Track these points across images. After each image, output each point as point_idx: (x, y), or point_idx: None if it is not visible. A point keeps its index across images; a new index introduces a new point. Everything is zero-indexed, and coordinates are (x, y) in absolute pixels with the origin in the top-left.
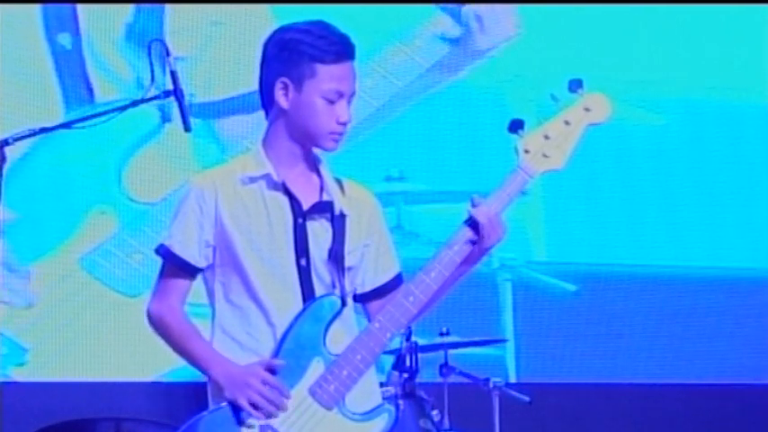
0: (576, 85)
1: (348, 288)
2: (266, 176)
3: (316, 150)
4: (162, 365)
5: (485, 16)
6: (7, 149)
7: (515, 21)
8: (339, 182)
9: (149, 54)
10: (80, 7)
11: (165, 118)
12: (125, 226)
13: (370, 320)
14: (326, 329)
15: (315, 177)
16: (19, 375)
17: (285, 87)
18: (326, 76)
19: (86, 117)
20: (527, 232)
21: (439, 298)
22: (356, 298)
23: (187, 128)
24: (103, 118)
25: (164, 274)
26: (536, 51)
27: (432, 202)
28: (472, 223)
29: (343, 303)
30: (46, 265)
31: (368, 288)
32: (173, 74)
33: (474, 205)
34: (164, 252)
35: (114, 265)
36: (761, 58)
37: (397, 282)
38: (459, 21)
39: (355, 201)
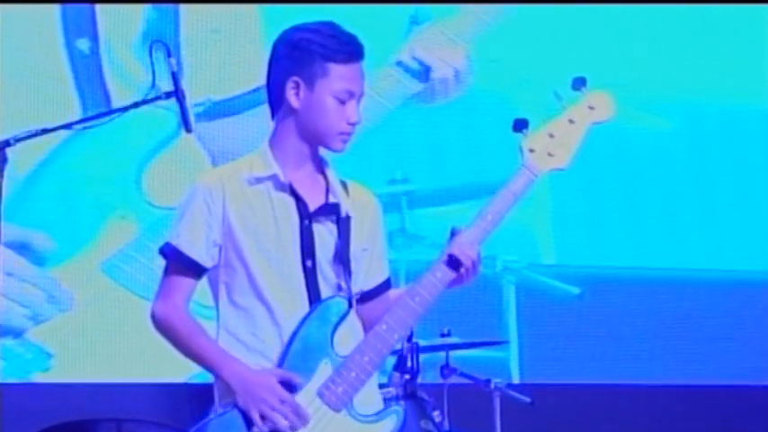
0: (579, 83)
1: (354, 289)
2: (273, 177)
3: (322, 152)
4: (190, 367)
5: (449, 80)
6: (23, 154)
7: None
8: (344, 184)
9: (150, 55)
10: (99, 11)
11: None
12: (145, 230)
13: None
14: (334, 331)
15: (321, 179)
16: (44, 380)
17: (296, 86)
18: (338, 75)
19: (88, 118)
20: (530, 235)
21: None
22: None
23: (188, 129)
24: (106, 119)
25: (169, 273)
26: (540, 55)
27: (435, 204)
28: (454, 262)
29: (350, 305)
30: (68, 271)
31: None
32: (174, 75)
33: (453, 234)
34: (170, 251)
35: (136, 269)
36: (762, 61)
37: (384, 287)
38: (424, 79)
39: (359, 204)
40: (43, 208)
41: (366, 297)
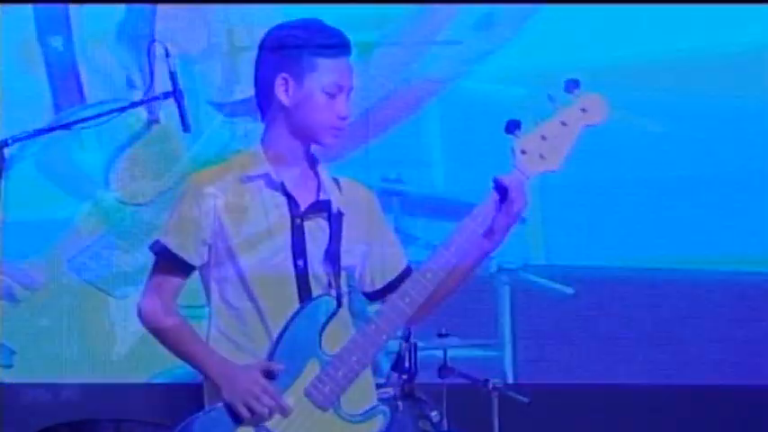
0: (572, 86)
1: (344, 288)
2: (265, 176)
3: (313, 150)
4: (154, 366)
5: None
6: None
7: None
8: (336, 181)
9: (149, 55)
10: (72, 8)
11: (153, 118)
12: (113, 227)
13: None
14: (322, 330)
15: (313, 177)
16: (6, 377)
17: (286, 83)
18: (327, 69)
19: (88, 118)
20: (525, 236)
21: (440, 299)
22: (369, 296)
23: (186, 129)
24: (105, 118)
25: (157, 270)
26: (535, 56)
27: (429, 205)
28: (499, 186)
29: (339, 304)
30: (32, 267)
31: (378, 285)
32: (172, 75)
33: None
34: (159, 249)
35: (102, 266)
36: (762, 62)
37: (407, 274)
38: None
39: (353, 199)
40: (9, 202)
41: (391, 289)
